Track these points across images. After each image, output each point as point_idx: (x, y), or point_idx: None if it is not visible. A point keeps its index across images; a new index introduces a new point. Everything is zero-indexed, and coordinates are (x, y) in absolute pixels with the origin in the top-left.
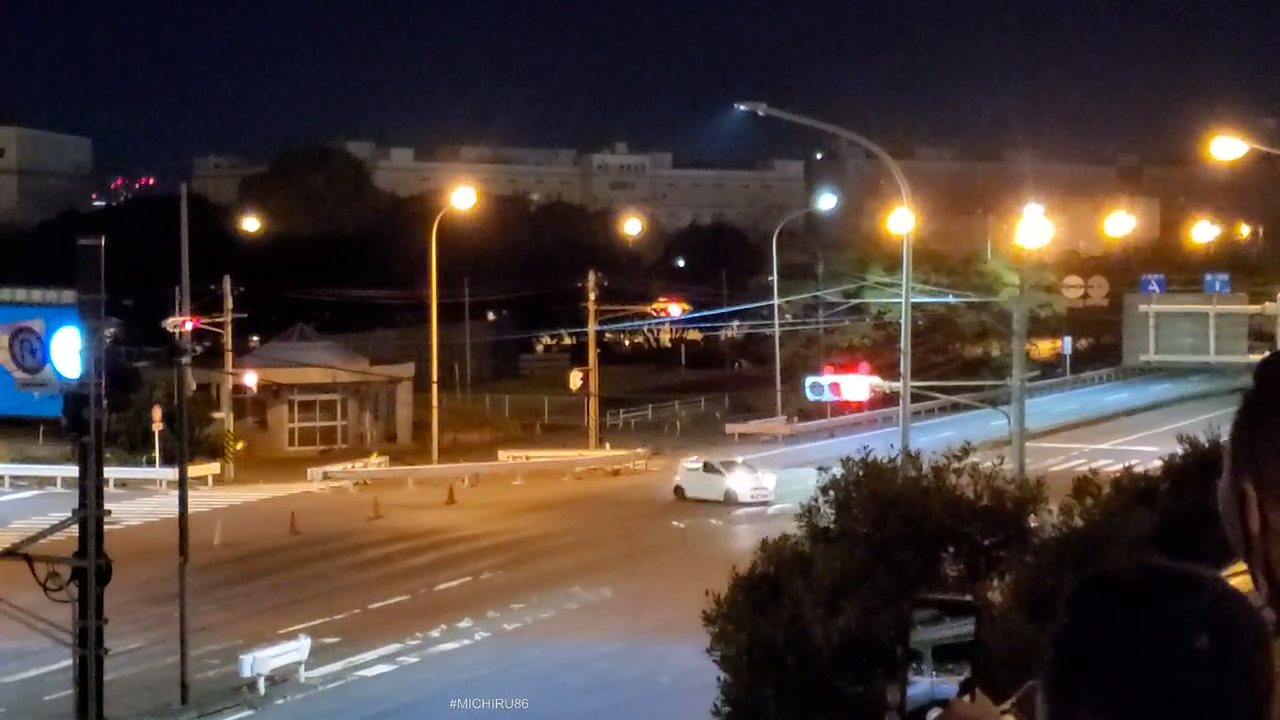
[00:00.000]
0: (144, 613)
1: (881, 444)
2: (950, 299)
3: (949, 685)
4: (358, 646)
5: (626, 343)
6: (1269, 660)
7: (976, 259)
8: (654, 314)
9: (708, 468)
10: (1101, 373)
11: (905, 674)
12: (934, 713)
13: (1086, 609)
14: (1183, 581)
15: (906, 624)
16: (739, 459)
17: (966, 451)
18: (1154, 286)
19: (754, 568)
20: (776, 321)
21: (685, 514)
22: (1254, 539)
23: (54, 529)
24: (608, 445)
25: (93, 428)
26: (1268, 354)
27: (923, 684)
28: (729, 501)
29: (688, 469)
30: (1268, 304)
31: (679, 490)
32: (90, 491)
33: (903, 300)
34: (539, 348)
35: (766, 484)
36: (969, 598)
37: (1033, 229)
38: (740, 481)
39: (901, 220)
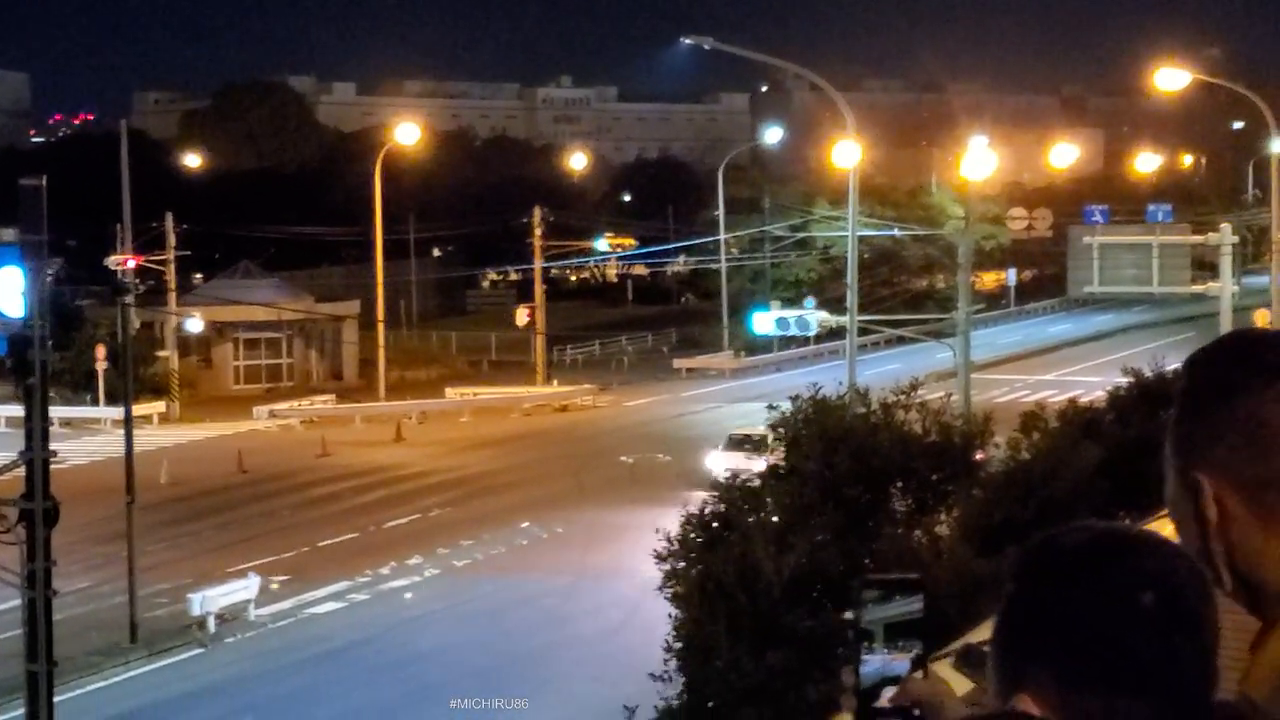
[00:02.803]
0: (91, 552)
1: (828, 377)
2: (896, 232)
3: (901, 662)
4: (307, 584)
5: (573, 278)
6: (1214, 614)
7: (922, 191)
8: (610, 249)
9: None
10: (1045, 304)
11: (858, 656)
12: (889, 691)
13: (1033, 576)
14: (1126, 543)
15: (856, 606)
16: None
17: (915, 387)
18: (1098, 217)
19: (704, 505)
20: (723, 256)
21: (634, 450)
22: (1212, 529)
23: None
24: (555, 381)
25: (38, 370)
26: (1194, 352)
27: (875, 662)
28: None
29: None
30: (1210, 234)
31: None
32: (36, 434)
33: (849, 234)
34: (485, 284)
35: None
36: (916, 575)
37: (977, 161)
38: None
39: (847, 153)
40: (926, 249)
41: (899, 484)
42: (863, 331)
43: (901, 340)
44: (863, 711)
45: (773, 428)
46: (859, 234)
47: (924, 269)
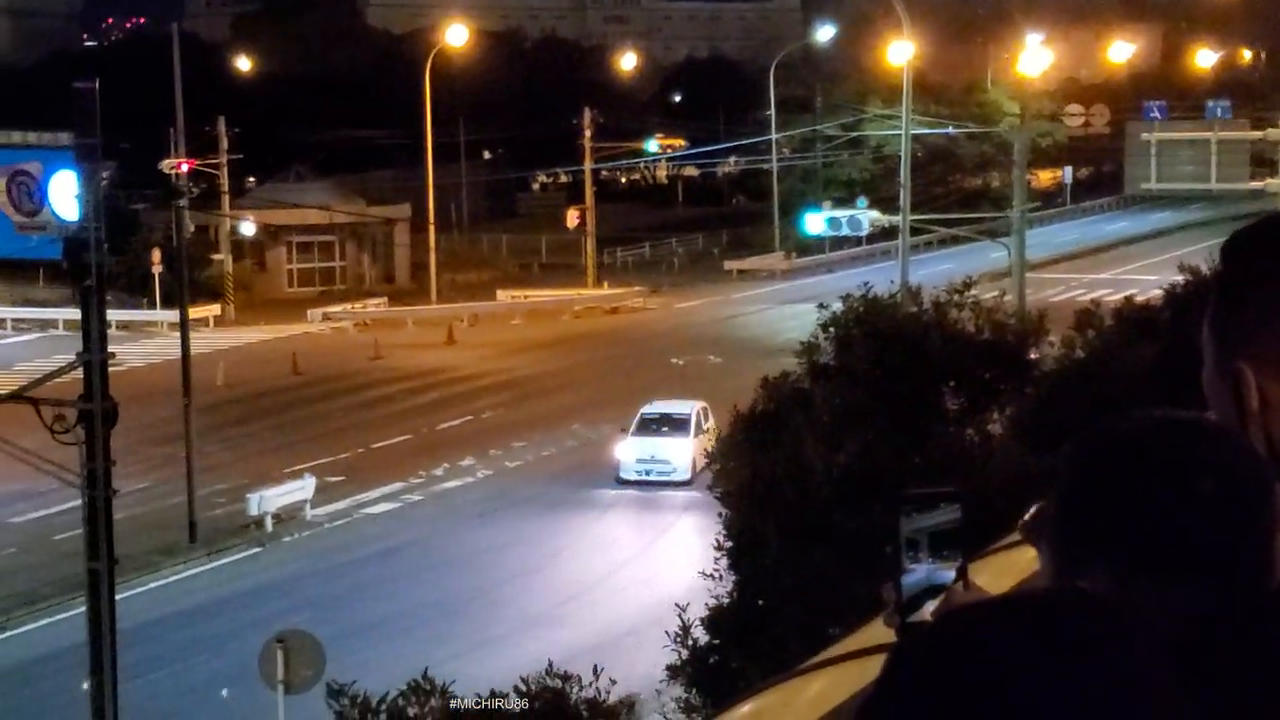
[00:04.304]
0: (150, 453)
1: (880, 278)
2: (950, 130)
3: (947, 572)
4: (362, 485)
5: (623, 180)
6: (1274, 501)
7: (977, 89)
8: (661, 150)
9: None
10: (1102, 202)
11: (898, 571)
12: (931, 604)
13: (1088, 464)
14: (1183, 429)
15: (895, 521)
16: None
17: (968, 286)
18: (1156, 114)
19: (755, 405)
20: (774, 156)
21: (684, 352)
22: (1253, 418)
23: (58, 373)
24: (605, 284)
25: (94, 272)
26: (1231, 234)
27: (920, 571)
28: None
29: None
30: (1269, 130)
31: None
32: (93, 336)
33: (902, 132)
34: (535, 186)
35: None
36: (952, 488)
37: (1033, 57)
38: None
39: (900, 51)
40: (981, 147)
41: (951, 383)
42: (916, 231)
43: (955, 240)
44: (905, 626)
45: (823, 327)
46: (912, 132)
47: (979, 167)
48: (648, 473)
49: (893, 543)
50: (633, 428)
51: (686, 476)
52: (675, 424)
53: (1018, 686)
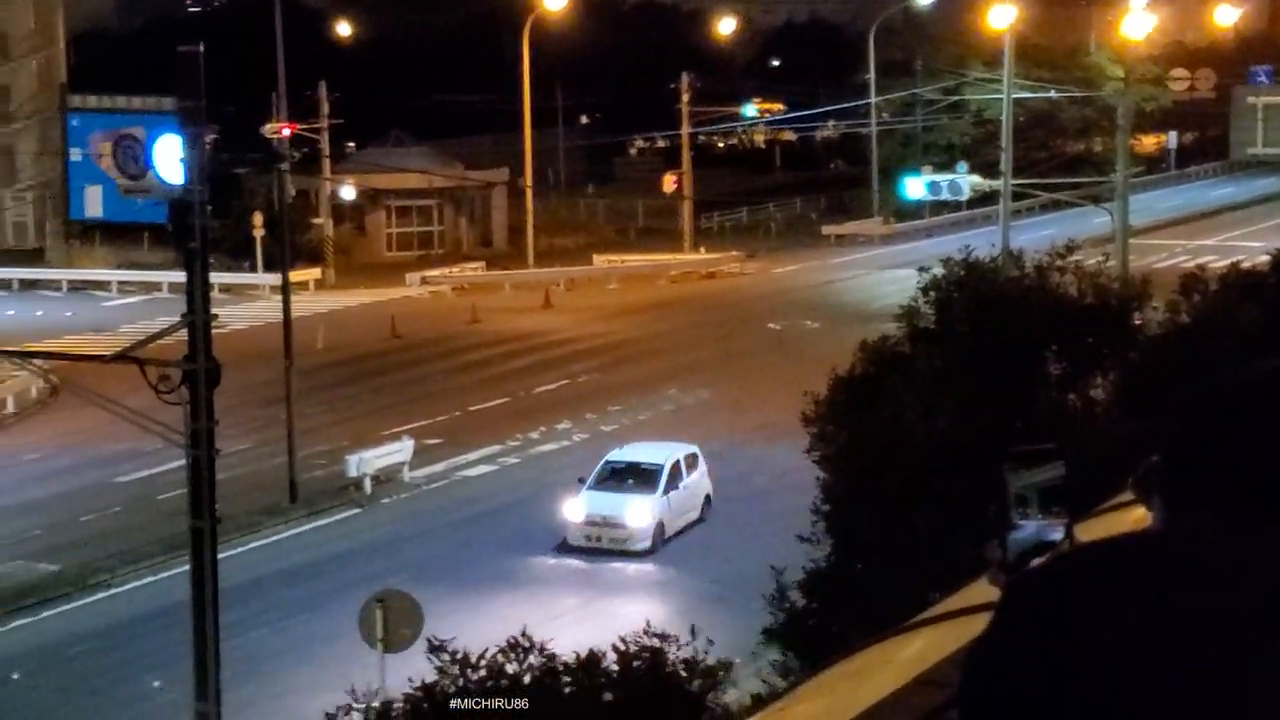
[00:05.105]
0: (252, 414)
1: (980, 243)
2: (1052, 94)
3: (1055, 530)
4: (459, 447)
5: (720, 145)
6: None
7: (1079, 52)
8: (759, 115)
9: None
10: (1207, 167)
11: (1006, 529)
12: (1037, 563)
13: (1201, 410)
14: None
15: (1000, 481)
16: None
17: (1070, 250)
18: (1263, 78)
19: (854, 368)
20: (874, 120)
21: (782, 317)
22: None
23: (162, 333)
24: (702, 248)
25: (198, 234)
26: None
27: (1030, 528)
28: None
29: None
30: None
31: None
32: (197, 297)
33: (1004, 96)
34: (632, 151)
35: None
36: (1053, 445)
37: (1137, 19)
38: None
39: (1002, 14)
40: (1084, 111)
41: (1052, 347)
42: (1017, 196)
43: (1057, 205)
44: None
45: (923, 291)
46: (1014, 96)
47: (1081, 132)
48: (597, 539)
49: (1000, 500)
50: (591, 479)
51: (646, 545)
52: (643, 476)
53: (1126, 627)
